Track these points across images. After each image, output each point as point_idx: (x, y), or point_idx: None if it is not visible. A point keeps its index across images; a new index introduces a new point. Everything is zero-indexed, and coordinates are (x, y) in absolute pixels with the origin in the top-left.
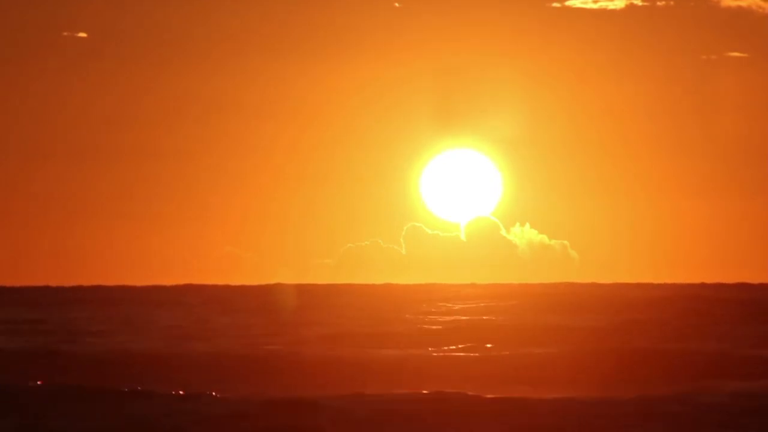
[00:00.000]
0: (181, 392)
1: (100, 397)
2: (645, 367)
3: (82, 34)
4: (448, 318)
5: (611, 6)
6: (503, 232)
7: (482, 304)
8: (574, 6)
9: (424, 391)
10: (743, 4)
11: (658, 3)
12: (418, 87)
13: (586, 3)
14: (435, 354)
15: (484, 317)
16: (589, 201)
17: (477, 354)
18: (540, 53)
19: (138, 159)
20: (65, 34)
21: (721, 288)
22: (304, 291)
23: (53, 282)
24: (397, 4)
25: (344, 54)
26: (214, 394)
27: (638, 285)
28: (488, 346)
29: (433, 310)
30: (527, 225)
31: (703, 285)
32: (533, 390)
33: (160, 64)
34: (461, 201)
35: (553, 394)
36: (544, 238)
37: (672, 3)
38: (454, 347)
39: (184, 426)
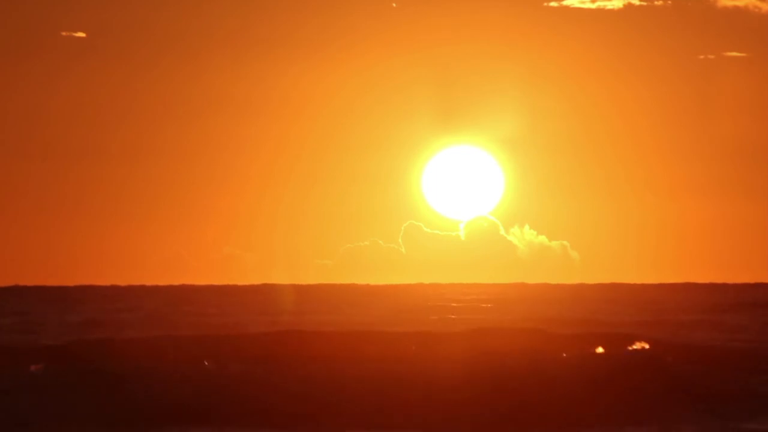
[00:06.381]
0: None
1: None
2: None
3: (81, 34)
4: None
5: (609, 6)
6: (502, 232)
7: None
8: (572, 6)
9: None
10: (740, 4)
11: (656, 3)
12: (417, 86)
13: (584, 3)
14: None
15: None
16: (590, 201)
17: None
18: (538, 53)
19: (136, 158)
20: (64, 33)
21: (719, 288)
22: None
23: (50, 282)
24: (394, 5)
25: (346, 54)
26: None
27: (638, 285)
28: None
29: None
30: (527, 227)
31: (703, 285)
32: None
33: (159, 63)
34: (462, 199)
35: None
36: (544, 239)
37: (670, 3)
38: None
39: None
